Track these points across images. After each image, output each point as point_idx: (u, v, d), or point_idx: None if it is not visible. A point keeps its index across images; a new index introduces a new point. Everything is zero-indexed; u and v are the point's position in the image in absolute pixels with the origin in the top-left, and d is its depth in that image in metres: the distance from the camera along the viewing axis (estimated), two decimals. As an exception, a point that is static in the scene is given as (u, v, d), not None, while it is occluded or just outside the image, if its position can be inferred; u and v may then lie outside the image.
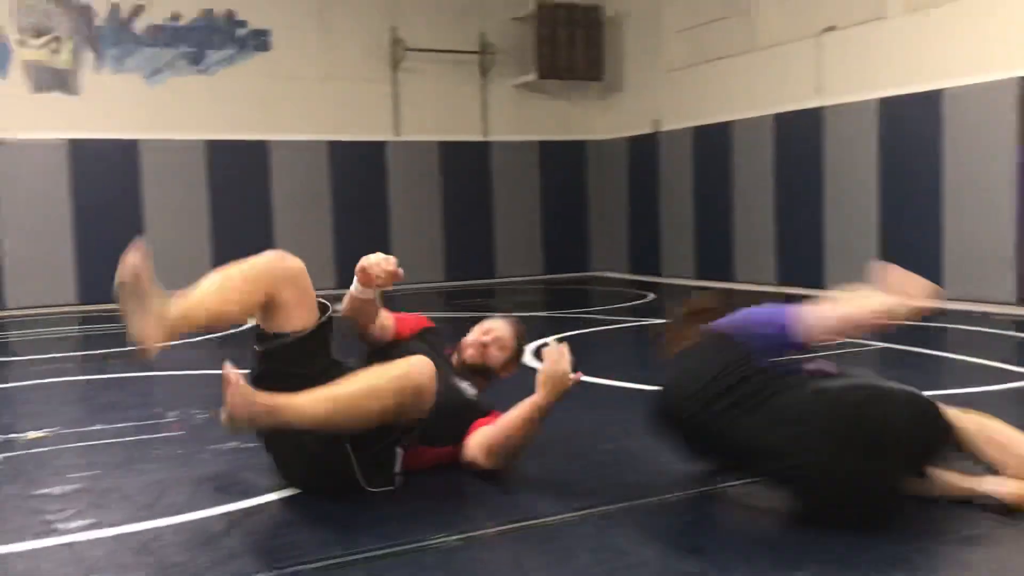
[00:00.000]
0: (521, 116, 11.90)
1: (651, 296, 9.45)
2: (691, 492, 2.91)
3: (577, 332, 6.85)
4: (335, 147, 10.74)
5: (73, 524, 2.76)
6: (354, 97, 11.03)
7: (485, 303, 9.33)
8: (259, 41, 10.60)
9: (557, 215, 12.01)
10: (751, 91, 9.77)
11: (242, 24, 10.51)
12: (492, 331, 3.41)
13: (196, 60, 10.31)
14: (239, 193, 10.16)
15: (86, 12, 9.88)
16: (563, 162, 12.04)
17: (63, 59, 9.80)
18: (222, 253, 10.12)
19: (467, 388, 3.28)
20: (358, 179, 10.78)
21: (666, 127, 11.02)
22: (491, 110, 11.73)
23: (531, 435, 3.02)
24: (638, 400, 4.42)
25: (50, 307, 9.58)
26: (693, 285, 10.41)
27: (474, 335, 3.41)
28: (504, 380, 3.45)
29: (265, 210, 10.39)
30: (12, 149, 9.47)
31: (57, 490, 3.11)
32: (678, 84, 10.88)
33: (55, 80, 9.76)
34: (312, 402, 2.64)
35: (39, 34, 9.69)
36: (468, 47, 11.53)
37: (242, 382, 2.55)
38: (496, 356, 3.38)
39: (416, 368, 2.75)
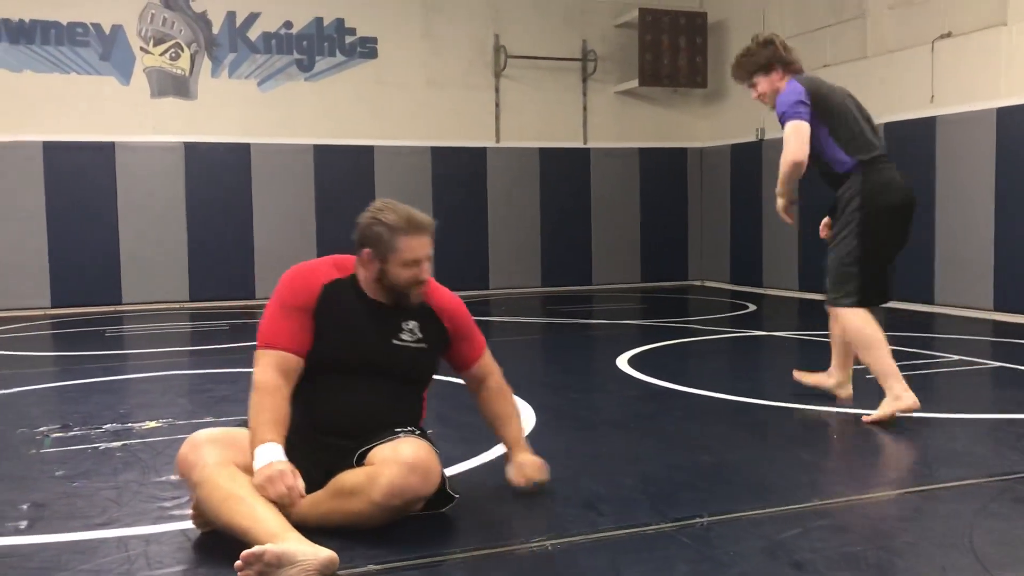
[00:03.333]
0: (622, 123, 11.85)
1: (752, 307, 9.29)
2: (794, 507, 2.86)
3: (675, 342, 6.79)
4: (437, 152, 10.90)
5: (187, 512, 2.88)
6: (457, 103, 11.17)
7: (581, 310, 9.33)
8: (367, 48, 10.85)
9: (656, 222, 11.92)
10: (861, 99, 9.47)
11: (351, 32, 10.78)
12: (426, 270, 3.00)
13: (306, 67, 10.62)
14: (344, 196, 10.40)
15: (204, 20, 10.29)
16: (664, 169, 11.94)
17: (181, 65, 10.22)
18: (326, 252, 10.37)
19: (410, 335, 2.86)
20: (459, 184, 10.92)
21: (770, 135, 10.81)
22: (592, 116, 11.72)
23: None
24: (737, 412, 4.36)
25: (164, 303, 9.99)
26: (795, 297, 10.18)
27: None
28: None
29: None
30: (132, 150, 9.93)
31: (172, 478, 3.25)
32: (784, 92, 10.67)
33: (173, 85, 10.19)
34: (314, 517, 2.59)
35: (160, 42, 10.14)
36: (570, 54, 11.55)
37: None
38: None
39: (383, 481, 2.53)
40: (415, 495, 2.55)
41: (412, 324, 2.85)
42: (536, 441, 3.78)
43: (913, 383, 4.07)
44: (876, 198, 4.08)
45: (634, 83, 11.46)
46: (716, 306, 9.59)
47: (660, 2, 11.57)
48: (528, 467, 3.00)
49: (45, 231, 9.62)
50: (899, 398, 3.95)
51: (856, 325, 4.06)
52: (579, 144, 11.65)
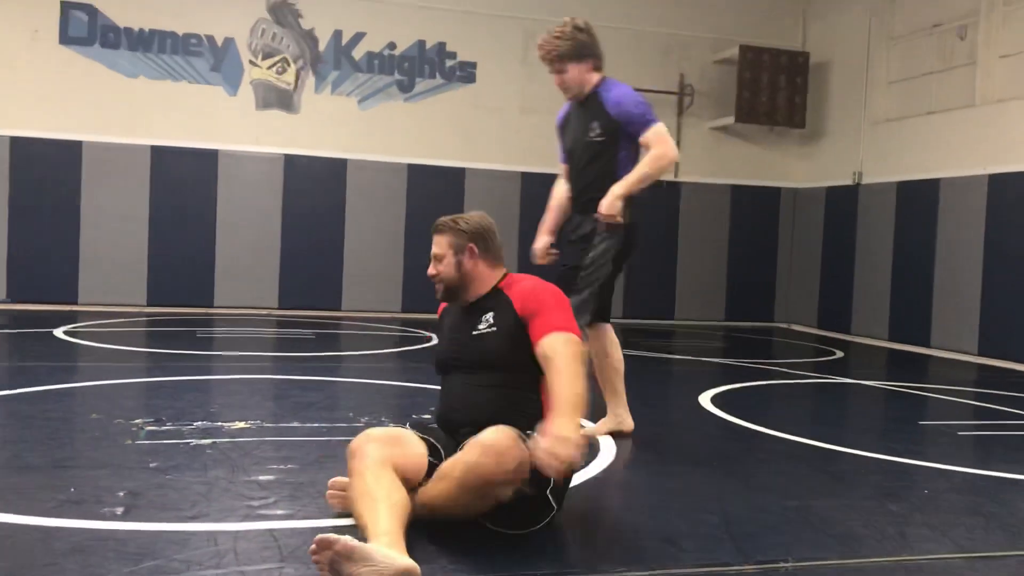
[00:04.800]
0: (715, 159, 11.77)
1: (839, 354, 9.08)
2: (882, 560, 2.78)
3: (759, 383, 6.68)
4: (527, 177, 10.98)
5: (273, 512, 2.95)
6: (550, 131, 11.18)
7: (663, 344, 9.24)
8: (466, 73, 11.03)
9: (745, 261, 11.77)
10: (965, 148, 9.25)
11: (452, 56, 10.97)
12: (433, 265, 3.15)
13: (406, 87, 10.84)
14: (434, 215, 10.50)
15: (311, 37, 10.61)
16: (755, 207, 11.80)
17: (287, 80, 10.54)
18: (414, 269, 10.54)
19: (485, 324, 3.01)
20: (543, 208, 10.96)
21: (867, 179, 10.60)
22: (685, 150, 11.65)
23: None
24: (823, 458, 4.26)
25: (253, 308, 10.25)
26: (885, 347, 9.91)
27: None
28: (477, 265, 3.09)
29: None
30: (234, 159, 10.26)
31: (259, 478, 3.33)
32: (884, 135, 10.46)
33: (278, 99, 10.50)
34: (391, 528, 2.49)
35: (268, 56, 10.48)
36: (667, 87, 11.54)
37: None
38: (443, 269, 3.10)
39: (465, 464, 2.61)
40: (488, 475, 2.57)
41: (489, 315, 3.03)
42: (615, 473, 3.76)
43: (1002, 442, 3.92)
44: (638, 226, 4.24)
45: (730, 119, 11.37)
46: (802, 350, 9.40)
47: (761, 40, 11.49)
48: (542, 445, 2.57)
49: (147, 231, 9.99)
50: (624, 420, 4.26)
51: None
52: (670, 177, 11.60)
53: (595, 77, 4.24)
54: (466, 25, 10.98)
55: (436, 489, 2.71)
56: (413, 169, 10.73)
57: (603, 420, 4.39)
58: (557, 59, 4.22)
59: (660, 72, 11.50)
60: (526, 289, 3.03)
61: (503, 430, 2.65)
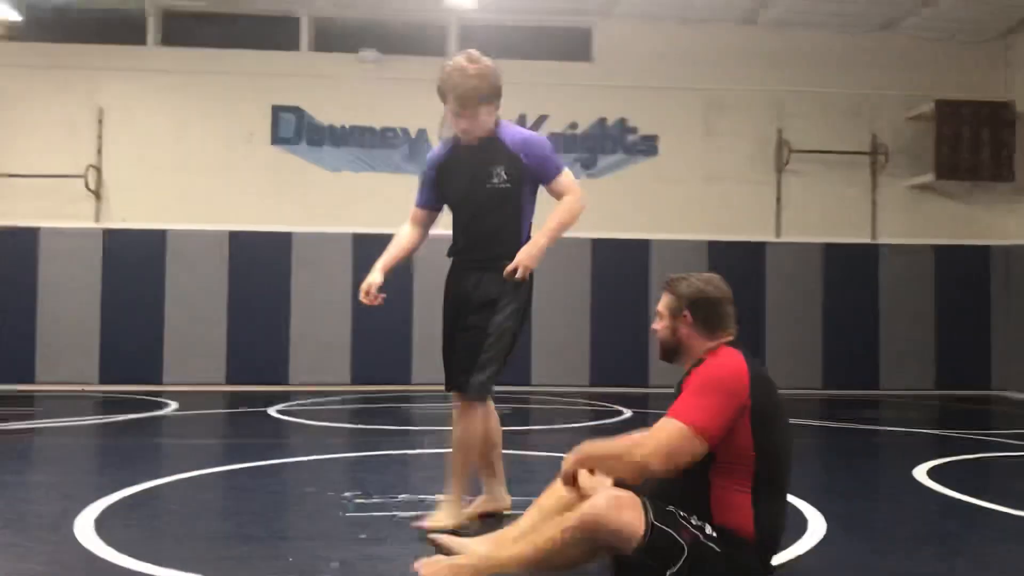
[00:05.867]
0: (915, 218, 11.21)
1: (1069, 423, 8.28)
2: None
3: (979, 456, 6.18)
4: (714, 246, 10.84)
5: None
6: (735, 199, 11.10)
7: (869, 415, 8.75)
8: (647, 146, 11.12)
9: (954, 325, 11.04)
10: None
11: (633, 131, 11.11)
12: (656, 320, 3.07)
13: (588, 164, 11.04)
14: (621, 287, 10.57)
15: (497, 123, 11.03)
16: (963, 268, 11.10)
17: (475, 164, 10.99)
18: (600, 339, 10.56)
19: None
20: (737, 279, 10.71)
21: (1092, 232, 9.77)
22: (882, 211, 11.19)
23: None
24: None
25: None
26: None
27: None
28: None
29: (642, 303, 10.71)
30: (431, 242, 10.68)
31: (463, 551, 3.38)
32: (1108, 185, 9.64)
33: (467, 183, 10.95)
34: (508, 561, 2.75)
35: (457, 143, 10.98)
36: (858, 147, 11.16)
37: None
38: (660, 330, 3.01)
39: (593, 509, 2.63)
40: (605, 520, 2.59)
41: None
42: (827, 551, 3.57)
43: None
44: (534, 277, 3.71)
45: (929, 177, 10.84)
46: (1022, 420, 8.65)
47: (958, 93, 10.95)
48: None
49: (349, 313, 10.56)
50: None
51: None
52: (867, 240, 11.13)
53: (492, 118, 3.68)
54: (646, 100, 11.10)
55: (543, 537, 2.72)
56: (598, 243, 10.83)
57: (479, 500, 3.96)
58: (473, 102, 3.57)
59: (849, 132, 11.18)
60: (700, 368, 2.85)
61: (628, 492, 2.68)
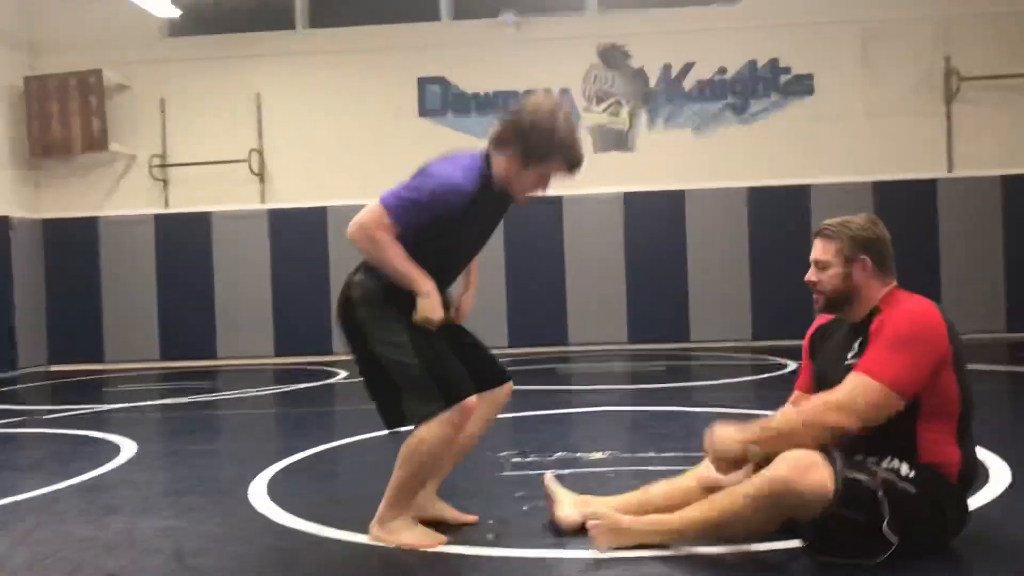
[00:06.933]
0: (1107, 142, 10.22)
1: None
2: None
3: None
4: (880, 187, 10.25)
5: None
6: (900, 134, 10.44)
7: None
8: (802, 86, 10.60)
9: None
10: None
11: (786, 71, 10.61)
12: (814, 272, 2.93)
13: (740, 110, 10.65)
14: (781, 238, 10.18)
15: (641, 76, 10.80)
16: None
17: (621, 120, 10.80)
18: (762, 295, 10.24)
19: (852, 353, 2.79)
20: (906, 219, 10.11)
21: None
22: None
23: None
24: None
25: (603, 344, 10.50)
26: None
27: None
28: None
29: (804, 252, 10.27)
30: (576, 203, 10.64)
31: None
32: None
33: (613, 140, 10.79)
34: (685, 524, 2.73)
35: (602, 100, 10.82)
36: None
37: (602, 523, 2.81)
38: (827, 279, 2.86)
39: (782, 471, 2.52)
40: (793, 487, 2.48)
41: (858, 342, 2.76)
42: (1014, 500, 3.35)
43: None
44: None
45: None
46: None
47: None
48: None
49: (503, 275, 10.64)
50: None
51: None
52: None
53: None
54: (798, 37, 10.57)
55: (722, 504, 2.64)
56: (754, 192, 10.45)
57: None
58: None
59: (1028, 53, 10.27)
60: (890, 318, 2.68)
61: (807, 451, 2.54)
